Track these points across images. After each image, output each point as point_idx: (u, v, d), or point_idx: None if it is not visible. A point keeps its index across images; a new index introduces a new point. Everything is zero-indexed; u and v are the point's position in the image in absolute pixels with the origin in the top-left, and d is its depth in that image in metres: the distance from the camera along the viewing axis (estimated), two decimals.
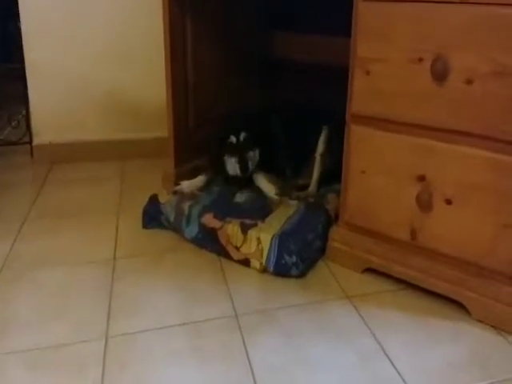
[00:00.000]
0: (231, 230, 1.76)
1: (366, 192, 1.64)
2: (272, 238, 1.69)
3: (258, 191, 2.02)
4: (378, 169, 1.60)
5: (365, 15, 1.52)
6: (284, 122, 2.15)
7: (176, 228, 1.92)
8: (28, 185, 2.44)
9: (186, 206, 1.89)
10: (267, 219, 1.82)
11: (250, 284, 1.66)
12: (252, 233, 1.73)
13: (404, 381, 1.27)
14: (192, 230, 1.85)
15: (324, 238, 1.78)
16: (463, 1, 1.33)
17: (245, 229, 1.75)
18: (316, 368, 1.31)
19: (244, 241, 1.73)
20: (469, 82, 1.36)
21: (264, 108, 2.18)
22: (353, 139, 1.63)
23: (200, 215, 1.84)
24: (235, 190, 2.03)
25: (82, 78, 2.62)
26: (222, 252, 1.78)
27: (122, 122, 2.72)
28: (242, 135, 2.01)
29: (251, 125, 2.04)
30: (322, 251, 1.78)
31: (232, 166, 2.02)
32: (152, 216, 1.98)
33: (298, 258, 1.67)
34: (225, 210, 1.87)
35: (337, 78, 1.67)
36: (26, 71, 2.57)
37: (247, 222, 1.78)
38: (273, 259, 1.68)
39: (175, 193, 2.03)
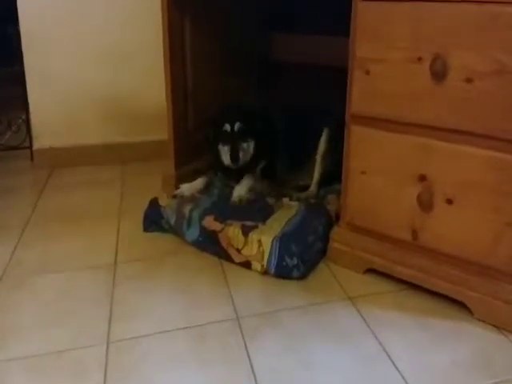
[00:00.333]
0: (232, 232, 1.76)
1: (367, 192, 1.63)
2: (273, 241, 1.69)
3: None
4: (378, 169, 1.59)
5: (364, 15, 1.51)
6: (284, 122, 2.14)
7: (177, 231, 1.91)
8: (28, 189, 2.45)
9: (186, 209, 1.89)
10: (268, 221, 1.81)
11: (252, 286, 1.66)
12: (253, 235, 1.72)
13: (406, 382, 1.26)
14: (193, 233, 1.85)
15: (325, 239, 1.78)
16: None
17: (246, 231, 1.74)
18: (318, 370, 1.31)
19: (245, 243, 1.73)
20: (468, 80, 1.35)
21: (264, 109, 2.17)
22: (353, 140, 1.63)
23: (201, 218, 1.84)
24: (232, 184, 2.03)
25: (81, 81, 2.62)
26: (223, 255, 1.78)
27: (122, 126, 2.72)
28: (237, 125, 1.99)
29: (250, 119, 2.02)
30: (323, 252, 1.78)
31: (225, 155, 2.01)
32: (153, 219, 1.98)
33: (299, 259, 1.66)
34: (225, 212, 1.87)
35: (337, 79, 1.67)
36: (26, 75, 2.57)
37: (248, 224, 1.78)
38: (274, 261, 1.67)
39: (175, 196, 2.02)
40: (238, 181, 2.04)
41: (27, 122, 2.68)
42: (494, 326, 1.45)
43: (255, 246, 1.71)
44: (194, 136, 2.24)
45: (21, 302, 1.57)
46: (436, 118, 1.44)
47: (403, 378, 1.28)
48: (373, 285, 1.65)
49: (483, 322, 1.46)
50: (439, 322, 1.48)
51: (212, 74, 2.32)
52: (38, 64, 2.56)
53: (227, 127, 1.99)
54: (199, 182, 2.10)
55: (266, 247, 1.69)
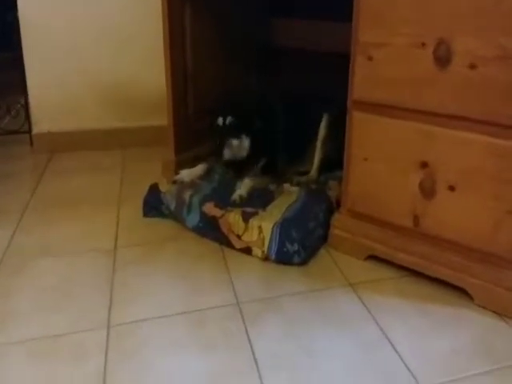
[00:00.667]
0: (232, 218, 1.75)
1: (369, 179, 1.63)
2: (273, 227, 1.68)
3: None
4: (380, 155, 1.58)
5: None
6: (284, 109, 2.13)
7: (177, 217, 1.91)
8: (28, 174, 2.43)
9: (186, 194, 1.88)
10: (268, 207, 1.81)
11: (252, 272, 1.65)
12: (253, 221, 1.72)
13: (407, 367, 1.27)
14: (193, 219, 1.84)
15: (326, 225, 1.78)
16: None
17: (246, 217, 1.74)
18: (319, 356, 1.31)
19: (245, 229, 1.72)
20: (472, 66, 1.34)
21: (264, 95, 2.15)
22: (355, 126, 1.62)
23: (201, 204, 1.83)
24: (235, 180, 2.01)
25: (80, 66, 2.61)
26: (224, 241, 1.78)
27: (122, 111, 2.70)
28: (228, 119, 1.96)
29: (248, 115, 1.99)
30: (323, 239, 1.78)
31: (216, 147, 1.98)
32: (152, 205, 1.97)
33: (300, 245, 1.66)
34: (226, 198, 1.86)
35: (338, 65, 1.66)
36: (24, 60, 2.55)
37: (248, 210, 1.77)
38: (274, 247, 1.67)
39: (175, 182, 2.01)
40: (236, 174, 2.02)
41: (26, 106, 2.66)
42: (494, 312, 1.45)
43: (255, 232, 1.71)
44: (194, 122, 2.23)
45: (20, 287, 1.57)
46: (439, 104, 1.43)
47: (404, 363, 1.28)
48: (374, 271, 1.65)
49: (484, 308, 1.46)
50: (440, 308, 1.48)
51: (212, 59, 2.30)
52: (37, 49, 2.54)
53: (220, 121, 1.97)
54: (199, 169, 2.09)
55: (267, 233, 1.68)
